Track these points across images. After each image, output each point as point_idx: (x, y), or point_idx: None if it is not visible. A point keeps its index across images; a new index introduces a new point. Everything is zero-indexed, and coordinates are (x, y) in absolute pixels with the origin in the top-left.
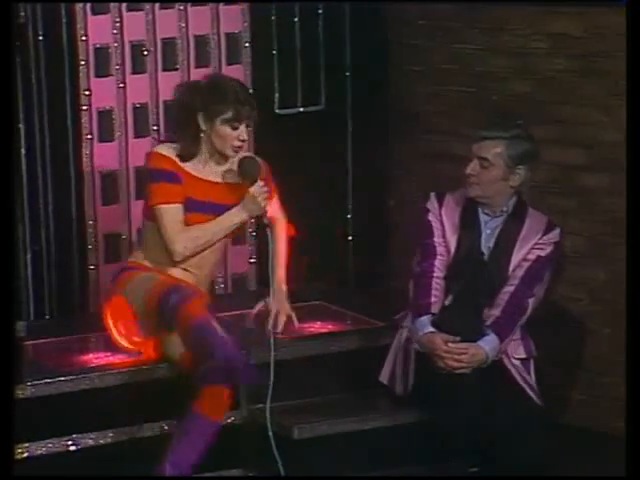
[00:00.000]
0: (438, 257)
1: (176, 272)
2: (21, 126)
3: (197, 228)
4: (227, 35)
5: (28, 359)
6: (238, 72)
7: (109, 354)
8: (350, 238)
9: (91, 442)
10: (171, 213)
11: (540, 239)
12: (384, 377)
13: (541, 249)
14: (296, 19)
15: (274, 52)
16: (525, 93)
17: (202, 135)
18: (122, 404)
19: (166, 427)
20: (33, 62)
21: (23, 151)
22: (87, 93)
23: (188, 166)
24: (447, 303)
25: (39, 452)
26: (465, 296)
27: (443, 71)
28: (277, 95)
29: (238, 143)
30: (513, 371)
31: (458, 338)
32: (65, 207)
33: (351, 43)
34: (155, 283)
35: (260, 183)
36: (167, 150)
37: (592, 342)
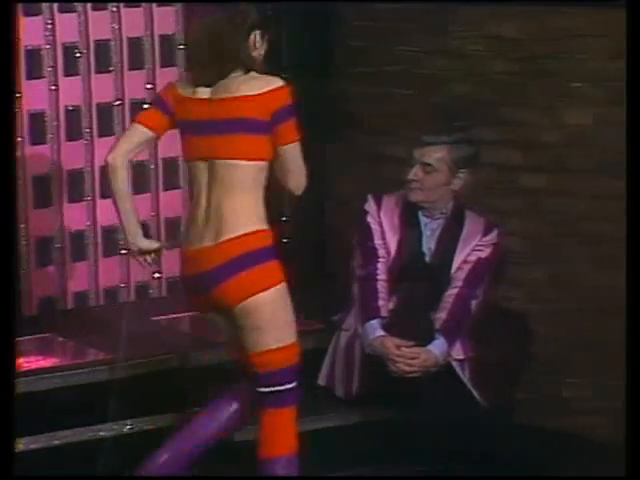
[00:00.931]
0: (380, 259)
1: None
2: None
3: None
4: (161, 37)
5: None
6: (172, 74)
7: (40, 357)
8: (285, 240)
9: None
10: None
11: (480, 241)
12: (322, 379)
13: (481, 250)
14: None
15: None
16: (465, 94)
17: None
18: (56, 407)
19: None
20: None
21: None
22: (18, 95)
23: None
24: (392, 306)
25: None
26: (410, 298)
27: (384, 73)
28: None
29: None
30: (459, 371)
31: (411, 342)
32: None
33: (290, 44)
34: None
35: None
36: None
37: (530, 341)
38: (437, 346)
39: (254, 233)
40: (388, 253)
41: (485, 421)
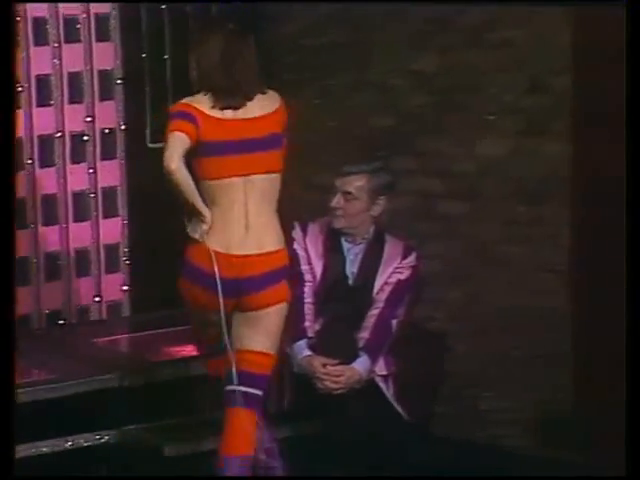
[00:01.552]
0: (307, 283)
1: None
2: None
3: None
4: (100, 72)
5: None
6: (110, 108)
7: None
8: None
9: None
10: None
11: (399, 263)
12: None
13: (400, 273)
14: (166, 56)
15: (146, 88)
16: (388, 127)
17: None
18: None
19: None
20: None
21: None
22: None
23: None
24: (318, 327)
25: None
26: (335, 319)
27: (312, 105)
28: (148, 130)
29: None
30: (383, 387)
31: (336, 361)
32: None
33: None
34: None
35: None
36: None
37: (449, 358)
38: (361, 363)
39: (284, 249)
40: (314, 277)
41: (407, 434)
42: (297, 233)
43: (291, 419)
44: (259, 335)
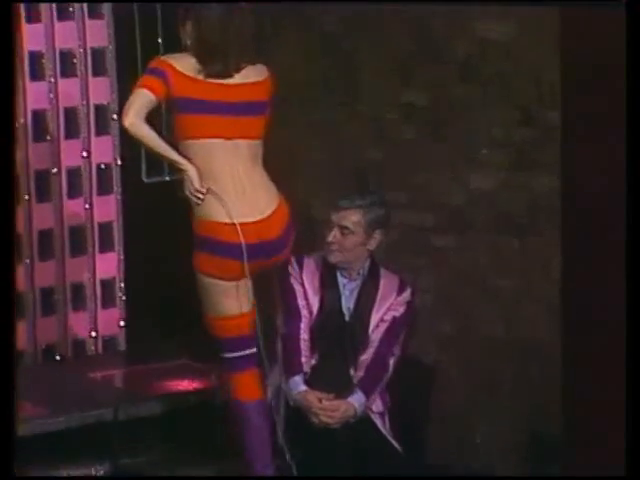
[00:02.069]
0: (302, 319)
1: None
2: None
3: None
4: (96, 106)
5: None
6: (107, 143)
7: None
8: None
9: None
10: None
11: (395, 300)
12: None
13: (396, 310)
14: None
15: None
16: (379, 160)
17: None
18: None
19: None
20: None
21: None
22: None
23: None
24: (314, 362)
25: None
26: (331, 355)
27: (302, 139)
28: (144, 165)
29: None
30: (378, 423)
31: (331, 396)
32: None
33: None
34: None
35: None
36: None
37: (442, 390)
38: (356, 399)
39: (282, 202)
40: (310, 313)
41: (403, 467)
42: (293, 267)
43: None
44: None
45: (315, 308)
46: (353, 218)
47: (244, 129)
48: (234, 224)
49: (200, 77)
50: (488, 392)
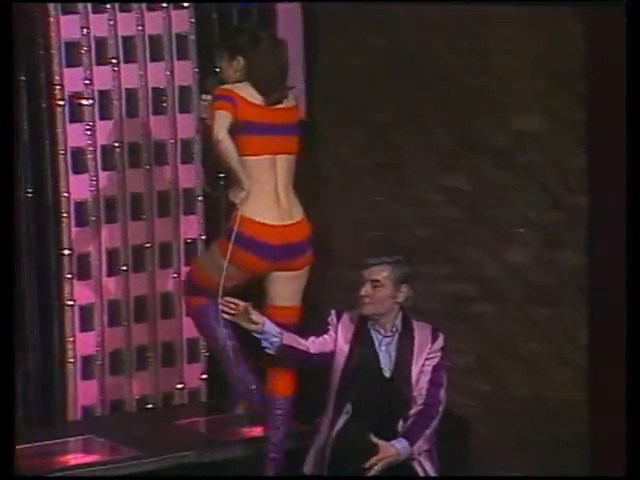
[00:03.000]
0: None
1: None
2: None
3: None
4: (184, 190)
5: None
6: (193, 222)
7: (83, 455)
8: None
9: None
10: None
11: (430, 349)
12: (307, 469)
13: (433, 358)
14: None
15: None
16: (426, 236)
17: None
18: None
19: None
20: (23, 214)
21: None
22: (67, 240)
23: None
24: (347, 415)
25: None
26: (367, 410)
27: (353, 219)
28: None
29: None
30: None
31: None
32: (48, 333)
33: None
34: None
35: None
36: None
37: (481, 441)
38: (401, 445)
39: (305, 217)
40: (335, 358)
41: None
42: (333, 319)
43: None
44: (294, 292)
45: (344, 356)
46: (382, 273)
47: (286, 146)
48: (269, 224)
49: (258, 103)
50: (519, 447)
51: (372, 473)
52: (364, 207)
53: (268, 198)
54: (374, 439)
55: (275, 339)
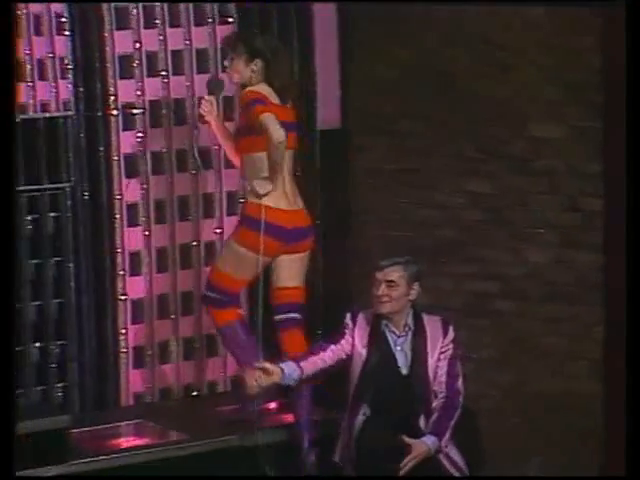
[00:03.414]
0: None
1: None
2: (70, 265)
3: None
4: (228, 193)
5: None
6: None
7: (136, 438)
8: None
9: None
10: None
11: (443, 342)
12: (337, 457)
13: (446, 351)
14: None
15: None
16: (451, 237)
17: None
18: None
19: None
20: (80, 216)
21: (73, 285)
22: (119, 239)
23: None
24: (365, 414)
25: None
26: (387, 409)
27: (386, 220)
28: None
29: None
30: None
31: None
32: (103, 326)
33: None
34: None
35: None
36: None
37: (500, 429)
38: (429, 440)
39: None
40: (353, 360)
41: None
42: (349, 321)
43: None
44: (298, 274)
45: (362, 359)
46: (396, 273)
47: (292, 142)
48: (282, 209)
49: (277, 102)
50: (538, 435)
51: (405, 471)
52: (393, 210)
53: (280, 188)
54: (406, 439)
55: (296, 374)
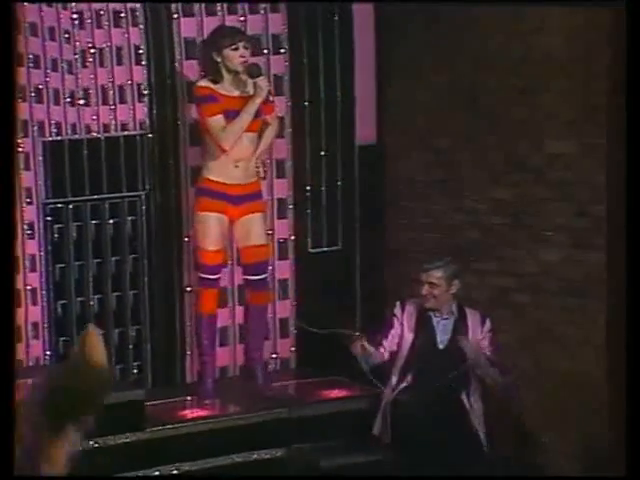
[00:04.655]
0: (397, 348)
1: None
2: (145, 262)
3: (230, 125)
4: (278, 200)
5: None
6: (283, 225)
7: (198, 410)
8: None
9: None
10: (215, 122)
11: (482, 331)
12: (376, 430)
13: (485, 339)
14: None
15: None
16: (475, 239)
17: (219, 64)
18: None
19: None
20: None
21: (146, 279)
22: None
23: (219, 88)
24: (408, 381)
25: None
26: (426, 374)
27: (420, 224)
28: (309, 239)
29: (241, 59)
30: (470, 413)
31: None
32: (171, 313)
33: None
34: None
35: (263, 77)
36: (204, 82)
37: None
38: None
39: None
40: (402, 345)
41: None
42: (398, 310)
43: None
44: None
45: (409, 343)
46: (437, 275)
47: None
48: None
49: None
50: (551, 410)
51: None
52: (427, 215)
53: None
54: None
55: (374, 361)
